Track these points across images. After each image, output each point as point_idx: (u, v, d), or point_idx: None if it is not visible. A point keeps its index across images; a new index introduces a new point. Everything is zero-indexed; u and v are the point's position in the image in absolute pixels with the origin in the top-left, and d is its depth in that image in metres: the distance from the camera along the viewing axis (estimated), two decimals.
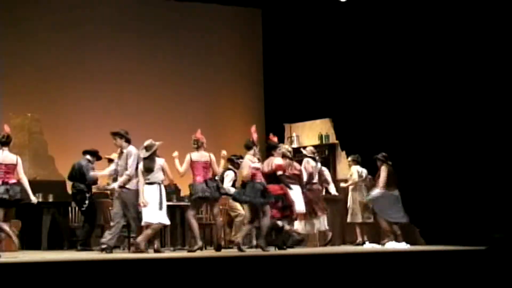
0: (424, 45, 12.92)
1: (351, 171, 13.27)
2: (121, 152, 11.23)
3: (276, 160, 11.50)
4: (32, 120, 14.04)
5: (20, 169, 10.51)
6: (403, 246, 11.93)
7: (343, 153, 14.36)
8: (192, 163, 11.21)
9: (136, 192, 10.99)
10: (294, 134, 15.81)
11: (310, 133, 15.29)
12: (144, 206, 10.90)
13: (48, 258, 9.96)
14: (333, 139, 14.93)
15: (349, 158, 13.44)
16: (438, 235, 11.99)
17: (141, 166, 11.06)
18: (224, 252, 11.10)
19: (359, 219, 13.09)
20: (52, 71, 15.10)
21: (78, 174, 12.36)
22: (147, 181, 11.01)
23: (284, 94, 16.04)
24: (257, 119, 16.66)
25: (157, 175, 11.07)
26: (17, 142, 13.73)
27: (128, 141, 11.22)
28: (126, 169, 11.05)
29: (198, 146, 11.28)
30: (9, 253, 11.29)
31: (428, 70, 12.84)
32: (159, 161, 11.14)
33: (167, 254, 10.95)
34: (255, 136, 11.36)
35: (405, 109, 13.06)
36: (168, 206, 11.77)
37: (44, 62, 15.05)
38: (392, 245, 12.04)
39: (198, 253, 10.90)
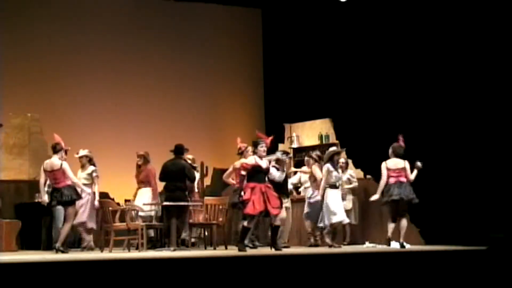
0: (424, 45, 12.92)
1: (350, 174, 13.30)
2: None
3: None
4: (32, 120, 14.02)
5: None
6: None
7: (343, 153, 14.35)
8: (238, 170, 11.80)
9: None
10: (294, 134, 15.79)
11: (310, 133, 15.27)
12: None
13: (48, 258, 9.96)
14: (333, 139, 14.91)
15: (343, 160, 13.26)
16: (438, 235, 11.98)
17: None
18: (224, 252, 11.11)
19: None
20: (52, 71, 15.11)
21: (179, 174, 12.26)
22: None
23: (284, 94, 16.03)
24: (257, 119, 16.67)
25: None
26: (17, 142, 13.74)
27: None
28: None
29: (242, 153, 12.03)
30: (9, 253, 11.31)
31: (428, 70, 12.84)
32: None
33: (167, 254, 10.95)
34: None
35: (404, 109, 13.05)
36: (168, 206, 11.79)
37: (44, 62, 15.05)
38: (392, 245, 12.03)
39: (198, 253, 10.91)
